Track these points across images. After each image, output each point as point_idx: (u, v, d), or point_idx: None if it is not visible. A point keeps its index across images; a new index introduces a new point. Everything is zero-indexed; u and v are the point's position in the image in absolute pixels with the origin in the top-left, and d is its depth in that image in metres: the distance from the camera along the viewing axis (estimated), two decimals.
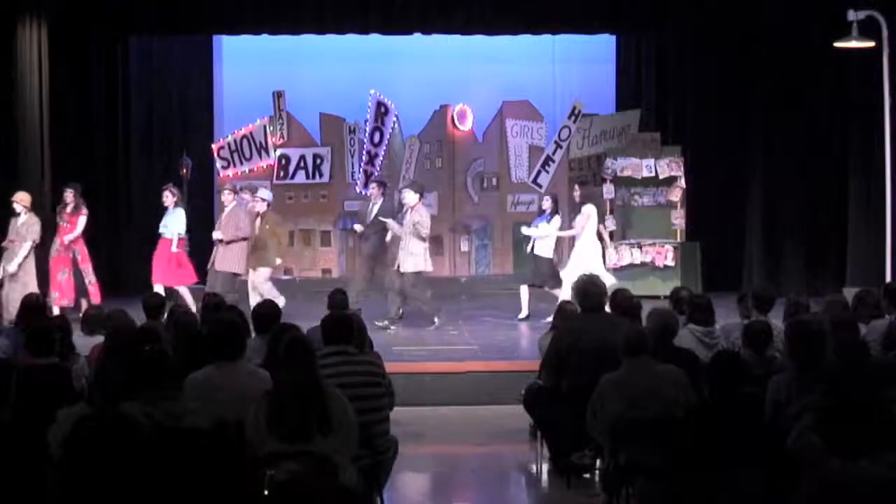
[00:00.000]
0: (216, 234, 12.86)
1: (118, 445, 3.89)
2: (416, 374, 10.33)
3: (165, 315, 8.67)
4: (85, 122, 15.87)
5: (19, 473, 4.56)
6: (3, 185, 13.40)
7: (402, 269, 12.61)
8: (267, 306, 8.00)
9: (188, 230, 13.68)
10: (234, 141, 17.05)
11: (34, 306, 9.02)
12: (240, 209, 12.96)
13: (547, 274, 13.33)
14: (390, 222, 13.12)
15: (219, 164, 17.03)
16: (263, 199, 13.30)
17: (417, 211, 12.73)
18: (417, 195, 12.85)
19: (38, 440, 4.84)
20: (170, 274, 13.18)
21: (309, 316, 9.27)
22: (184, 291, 13.18)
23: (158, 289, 12.68)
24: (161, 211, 13.62)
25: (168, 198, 13.46)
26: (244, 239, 12.80)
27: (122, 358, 5.91)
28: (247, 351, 6.47)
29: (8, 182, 13.68)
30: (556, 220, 13.35)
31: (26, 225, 12.44)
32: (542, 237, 13.34)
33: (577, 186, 14.12)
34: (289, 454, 5.30)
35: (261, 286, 12.87)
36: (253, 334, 7.43)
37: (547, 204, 13.51)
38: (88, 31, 15.41)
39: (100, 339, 7.90)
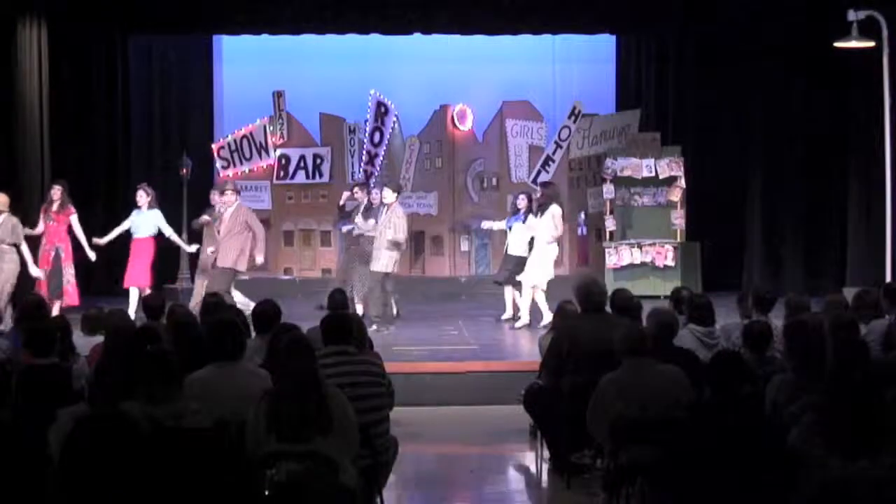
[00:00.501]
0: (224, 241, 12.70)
1: (118, 445, 3.88)
2: (416, 374, 10.32)
3: (165, 315, 8.65)
4: (85, 122, 15.89)
5: (19, 473, 4.56)
6: (3, 185, 13.39)
7: (372, 267, 12.59)
8: (267, 306, 7.98)
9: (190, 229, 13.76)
10: (234, 141, 17.06)
11: (34, 306, 8.99)
12: (243, 208, 12.90)
13: (513, 271, 13.25)
14: (358, 219, 13.15)
15: (219, 164, 17.03)
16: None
17: (395, 212, 12.69)
18: (395, 194, 12.86)
19: (38, 440, 4.84)
20: (139, 276, 13.06)
21: (309, 316, 9.27)
22: (135, 293, 12.96)
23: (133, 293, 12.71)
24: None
25: (142, 197, 13.24)
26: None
27: (122, 358, 5.91)
28: (247, 351, 6.47)
29: (8, 182, 13.69)
30: (531, 219, 13.10)
31: (4, 227, 12.14)
32: (516, 237, 13.26)
33: (539, 187, 14.01)
34: (289, 454, 5.30)
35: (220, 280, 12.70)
36: (253, 334, 7.43)
37: (522, 203, 13.37)
38: (88, 31, 15.43)
39: (100, 339, 7.89)
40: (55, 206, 12.72)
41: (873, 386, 4.69)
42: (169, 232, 13.42)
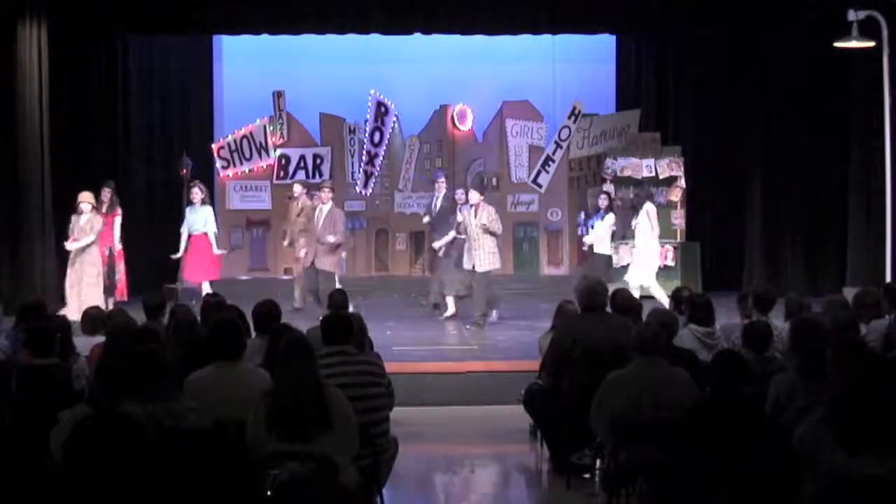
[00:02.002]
0: (330, 238, 13.00)
1: (118, 446, 3.88)
2: (416, 374, 10.33)
3: (166, 315, 8.64)
4: (85, 122, 15.85)
5: (19, 474, 4.56)
6: (3, 185, 13.38)
7: (478, 269, 12.76)
8: (267, 306, 7.96)
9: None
10: (234, 141, 17.06)
11: (34, 306, 8.98)
12: (337, 209, 13.35)
13: (601, 270, 13.40)
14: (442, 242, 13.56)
15: (219, 164, 17.03)
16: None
17: (487, 210, 12.90)
18: (480, 194, 13.06)
19: (38, 440, 4.83)
20: (206, 270, 13.72)
21: (309, 316, 9.26)
22: (206, 286, 13.59)
23: (205, 286, 13.24)
24: (159, 210, 13.69)
25: (197, 194, 13.92)
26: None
27: (122, 358, 5.90)
28: (247, 351, 6.47)
29: (8, 181, 13.68)
30: (610, 217, 13.73)
31: (91, 222, 12.68)
32: (599, 235, 13.72)
33: (633, 187, 14.97)
34: (289, 454, 5.30)
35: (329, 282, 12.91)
36: (253, 334, 7.42)
37: (603, 202, 13.88)
38: (88, 31, 15.40)
39: (100, 339, 7.89)
40: (104, 208, 13.26)
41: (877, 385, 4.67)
42: (213, 230, 14.01)
